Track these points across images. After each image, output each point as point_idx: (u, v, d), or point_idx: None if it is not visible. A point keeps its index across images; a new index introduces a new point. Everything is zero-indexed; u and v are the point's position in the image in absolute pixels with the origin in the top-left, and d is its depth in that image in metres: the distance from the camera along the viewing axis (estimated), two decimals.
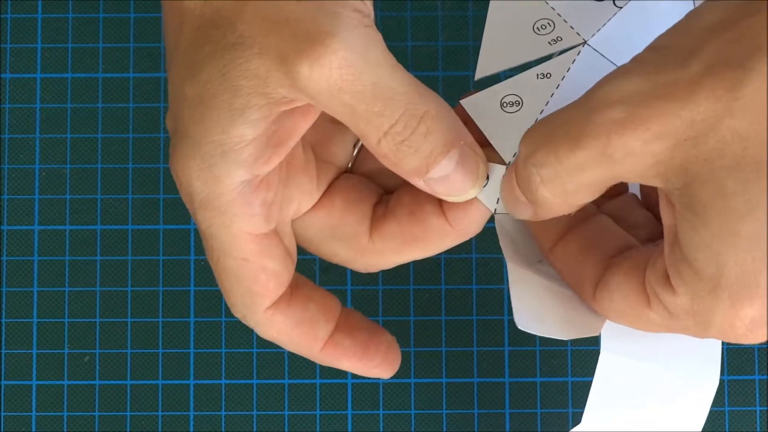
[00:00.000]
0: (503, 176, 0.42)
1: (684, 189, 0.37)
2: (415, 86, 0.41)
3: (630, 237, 0.44)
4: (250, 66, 0.39)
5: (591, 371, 0.44)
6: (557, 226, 0.44)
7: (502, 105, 0.45)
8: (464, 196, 0.42)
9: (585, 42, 0.45)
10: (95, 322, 0.58)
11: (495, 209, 0.43)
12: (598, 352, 0.44)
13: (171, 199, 0.59)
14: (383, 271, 0.57)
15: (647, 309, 0.41)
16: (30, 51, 0.60)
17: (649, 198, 0.46)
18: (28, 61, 0.60)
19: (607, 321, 0.44)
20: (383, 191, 0.45)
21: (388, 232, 0.44)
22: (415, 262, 0.58)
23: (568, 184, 0.39)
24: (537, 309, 0.45)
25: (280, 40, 0.39)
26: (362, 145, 0.46)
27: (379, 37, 0.40)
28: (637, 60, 0.38)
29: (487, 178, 0.43)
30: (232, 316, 0.44)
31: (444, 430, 0.57)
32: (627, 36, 0.44)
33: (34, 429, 0.57)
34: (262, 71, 0.39)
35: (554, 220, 0.44)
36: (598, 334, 0.44)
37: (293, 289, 0.44)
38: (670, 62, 0.37)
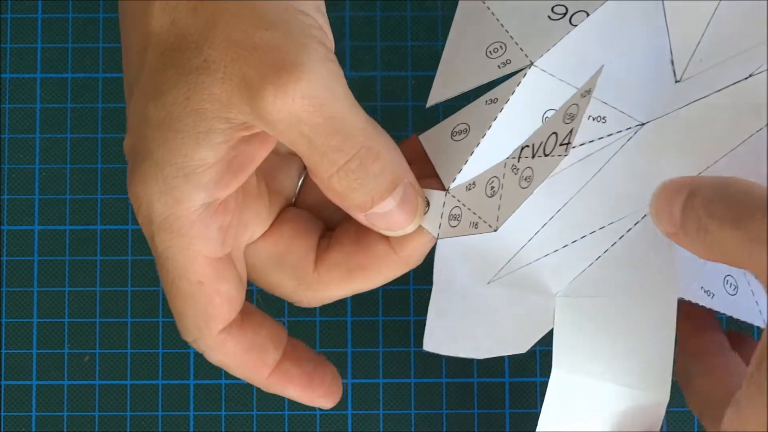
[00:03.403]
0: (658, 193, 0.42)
1: None
2: (371, 124, 0.42)
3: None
4: (213, 90, 0.40)
5: None
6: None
7: (452, 134, 0.46)
8: (401, 232, 0.44)
9: (531, 63, 0.44)
10: (95, 322, 0.58)
11: (438, 234, 0.44)
12: None
13: None
14: None
15: None
16: (30, 51, 0.60)
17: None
18: (28, 61, 0.60)
19: (556, 336, 0.44)
20: (325, 227, 0.46)
21: (333, 261, 0.45)
22: None
23: None
24: (453, 327, 0.45)
25: (246, 66, 0.39)
26: (305, 179, 0.46)
27: (341, 72, 0.41)
28: None
29: (428, 205, 0.44)
30: None
31: (444, 430, 0.57)
32: (582, 54, 0.44)
33: (34, 429, 0.57)
34: (224, 96, 0.40)
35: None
36: (524, 351, 0.45)
37: (243, 315, 0.44)
38: None
